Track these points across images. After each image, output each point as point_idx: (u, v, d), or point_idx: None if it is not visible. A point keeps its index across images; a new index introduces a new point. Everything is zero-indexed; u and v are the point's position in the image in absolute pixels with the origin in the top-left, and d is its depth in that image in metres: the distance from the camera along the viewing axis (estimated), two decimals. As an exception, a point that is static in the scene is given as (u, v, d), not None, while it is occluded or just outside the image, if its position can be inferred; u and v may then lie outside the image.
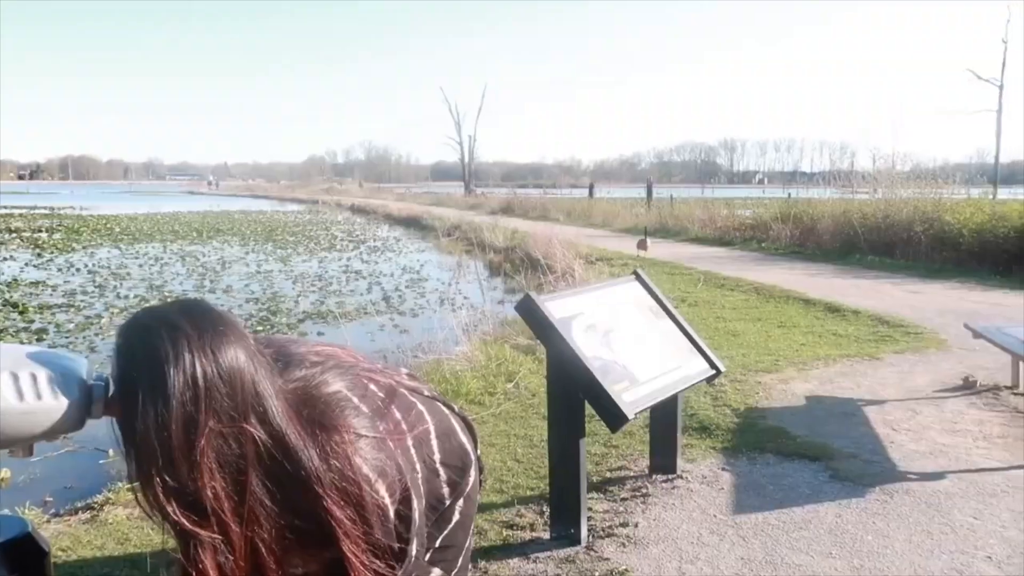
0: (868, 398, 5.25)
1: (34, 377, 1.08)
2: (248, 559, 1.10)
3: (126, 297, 11.45)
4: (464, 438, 1.43)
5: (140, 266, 15.63)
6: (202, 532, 1.06)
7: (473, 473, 1.43)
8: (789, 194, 25.34)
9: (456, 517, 1.39)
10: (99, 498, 3.86)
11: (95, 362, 1.35)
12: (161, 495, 1.04)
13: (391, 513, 1.19)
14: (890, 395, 5.34)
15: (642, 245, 14.82)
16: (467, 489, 1.41)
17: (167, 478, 1.04)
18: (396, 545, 1.19)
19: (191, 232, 25.26)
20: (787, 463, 4.09)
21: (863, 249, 14.80)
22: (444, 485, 1.36)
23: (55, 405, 1.08)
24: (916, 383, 5.66)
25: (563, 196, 42.17)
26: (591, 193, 39.84)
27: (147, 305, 1.13)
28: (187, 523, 1.05)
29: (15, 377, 1.06)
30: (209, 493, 1.06)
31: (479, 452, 1.49)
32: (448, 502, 1.37)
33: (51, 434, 1.10)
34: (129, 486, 3.93)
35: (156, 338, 1.09)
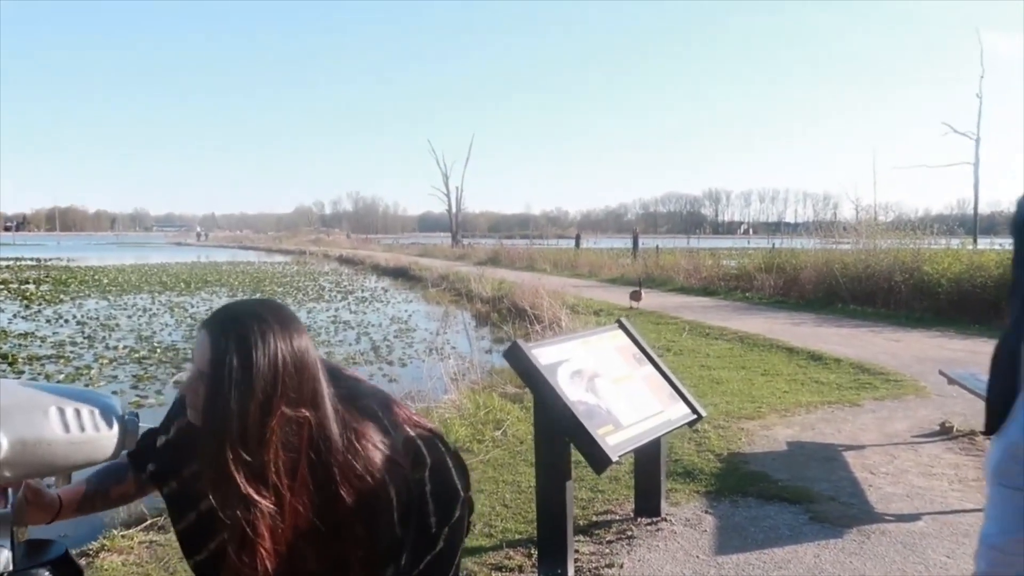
0: (848, 443, 5.39)
1: (78, 412, 1.21)
2: (293, 530, 1.28)
3: (115, 348, 11.50)
4: (455, 475, 1.57)
5: (129, 317, 15.67)
6: (263, 501, 1.24)
7: (460, 509, 1.55)
8: (773, 244, 25.73)
9: (441, 544, 1.51)
10: (94, 545, 3.91)
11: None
12: (232, 466, 1.22)
13: (396, 516, 1.33)
14: (869, 440, 5.47)
15: (636, 296, 15.01)
16: (452, 521, 1.54)
17: (240, 452, 1.22)
18: (394, 542, 1.36)
19: (179, 283, 25.32)
20: (768, 506, 4.20)
21: (845, 298, 15.06)
22: (431, 515, 1.49)
23: (96, 437, 1.21)
24: (895, 428, 5.80)
25: (550, 247, 42.62)
26: (577, 244, 40.26)
27: (232, 302, 1.35)
28: (253, 492, 1.23)
29: (61, 412, 1.20)
30: (272, 467, 1.24)
31: (470, 493, 1.63)
32: (435, 529, 1.50)
33: (91, 463, 1.23)
34: (123, 533, 3.99)
35: (246, 327, 1.28)
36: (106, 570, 3.60)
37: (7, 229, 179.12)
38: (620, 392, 3.62)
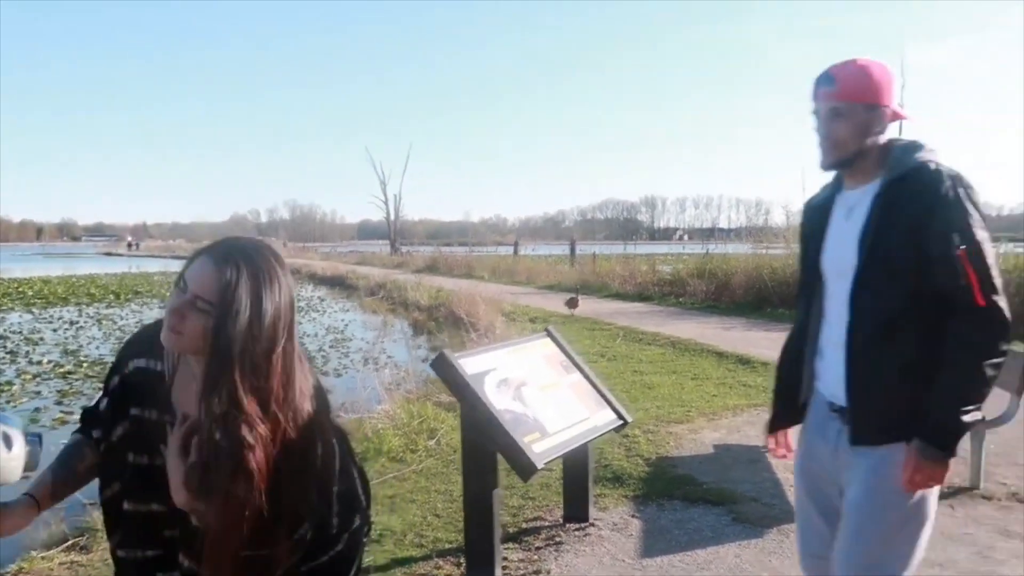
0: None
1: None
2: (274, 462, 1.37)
3: (39, 363, 11.14)
4: (359, 485, 1.63)
5: (54, 330, 15.20)
6: (261, 425, 1.32)
7: (360, 519, 1.60)
8: (707, 250, 26.23)
9: (340, 546, 1.55)
10: (12, 568, 3.82)
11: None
12: (240, 391, 1.31)
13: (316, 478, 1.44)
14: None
15: (572, 303, 15.15)
16: (352, 528, 1.58)
17: (250, 378, 1.32)
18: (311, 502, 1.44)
19: (108, 295, 24.62)
20: (693, 508, 4.32)
21: (774, 302, 15.45)
22: (335, 516, 1.53)
23: (5, 456, 1.21)
24: (816, 429, 5.99)
25: (488, 254, 42.72)
26: (516, 251, 40.52)
27: (231, 237, 1.46)
28: (255, 415, 1.32)
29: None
30: (274, 396, 1.35)
31: (370, 511, 1.68)
32: (335, 530, 1.53)
33: None
34: (43, 554, 3.89)
35: (257, 260, 1.39)
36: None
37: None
38: (547, 400, 3.68)
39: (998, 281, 1.90)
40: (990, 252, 1.91)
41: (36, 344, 13.18)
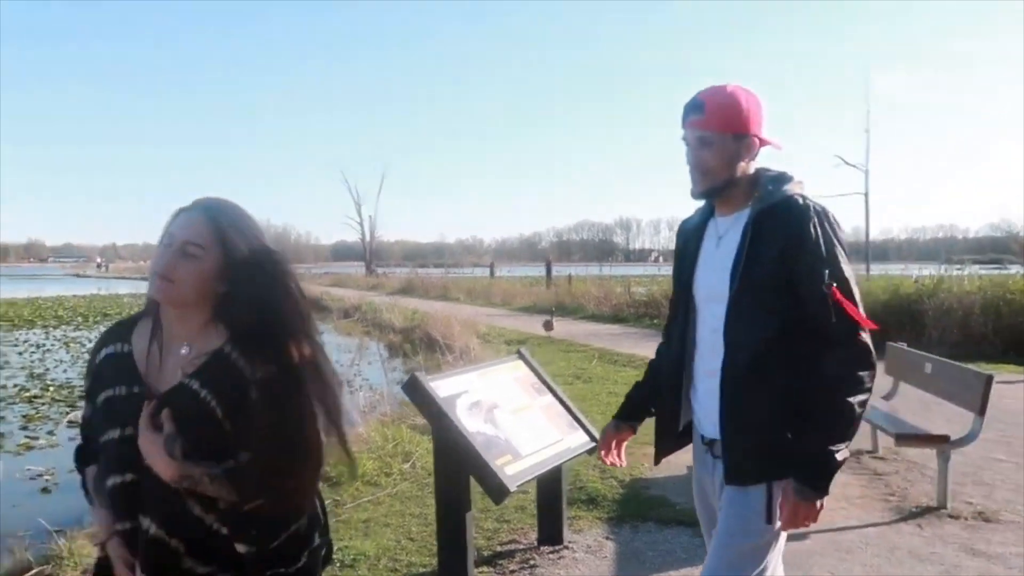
0: (744, 466, 5.58)
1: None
2: None
3: (3, 387, 10.95)
4: (318, 503, 1.71)
5: (20, 354, 14.96)
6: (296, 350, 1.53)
7: (319, 538, 1.64)
8: (680, 272, 26.37)
9: (301, 563, 1.58)
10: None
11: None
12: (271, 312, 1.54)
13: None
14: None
15: (548, 326, 15.19)
16: (312, 545, 1.63)
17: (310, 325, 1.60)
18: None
19: (76, 316, 24.32)
20: (666, 530, 4.33)
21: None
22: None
23: None
24: (788, 450, 6.04)
25: (465, 275, 42.69)
26: (492, 272, 40.56)
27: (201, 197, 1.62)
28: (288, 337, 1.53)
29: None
30: (290, 319, 1.58)
31: (329, 536, 1.72)
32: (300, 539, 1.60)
33: None
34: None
35: (234, 207, 1.62)
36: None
37: None
38: (519, 422, 3.68)
39: (863, 317, 1.91)
40: (856, 288, 1.94)
41: (1, 368, 12.96)
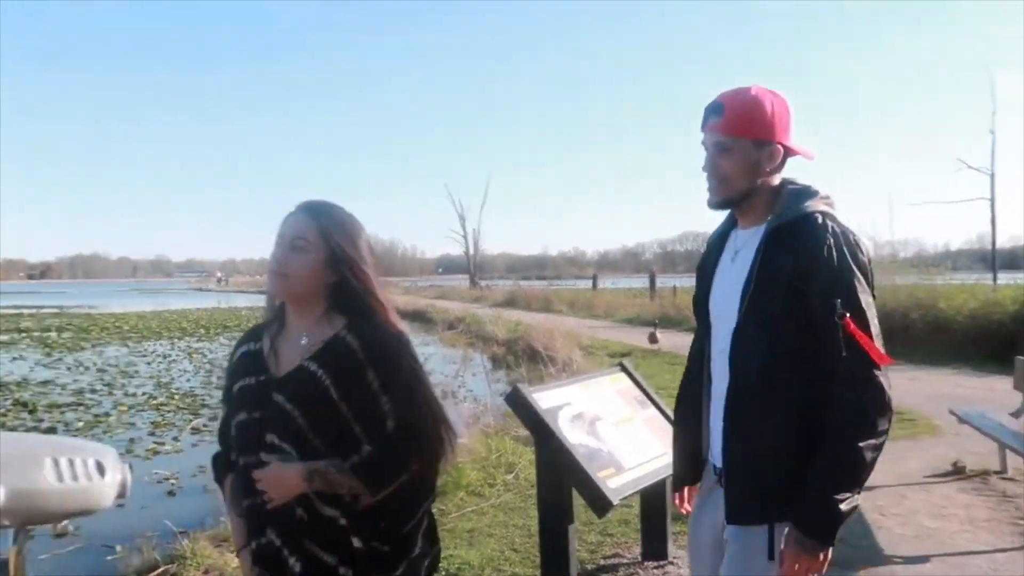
0: (859, 484, 5.34)
1: (71, 462, 1.28)
2: None
3: (134, 395, 11.62)
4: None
5: (148, 364, 15.84)
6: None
7: (419, 547, 1.74)
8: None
9: (401, 570, 1.69)
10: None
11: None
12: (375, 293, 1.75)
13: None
14: (881, 481, 5.43)
15: (652, 338, 15.03)
16: (412, 555, 1.74)
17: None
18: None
19: (198, 329, 25.57)
20: (776, 548, 4.18)
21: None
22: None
23: (88, 486, 1.28)
24: (907, 468, 5.76)
25: (567, 287, 42.65)
26: (595, 284, 40.34)
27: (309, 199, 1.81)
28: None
29: (55, 462, 1.27)
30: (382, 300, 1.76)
31: (439, 546, 1.84)
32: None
33: (86, 511, 1.30)
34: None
35: (335, 206, 1.82)
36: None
37: (31, 277, 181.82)
38: (622, 435, 3.65)
39: (879, 352, 1.74)
40: (874, 320, 1.76)
41: (131, 377, 13.77)
